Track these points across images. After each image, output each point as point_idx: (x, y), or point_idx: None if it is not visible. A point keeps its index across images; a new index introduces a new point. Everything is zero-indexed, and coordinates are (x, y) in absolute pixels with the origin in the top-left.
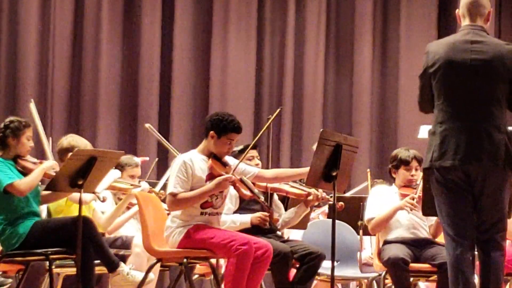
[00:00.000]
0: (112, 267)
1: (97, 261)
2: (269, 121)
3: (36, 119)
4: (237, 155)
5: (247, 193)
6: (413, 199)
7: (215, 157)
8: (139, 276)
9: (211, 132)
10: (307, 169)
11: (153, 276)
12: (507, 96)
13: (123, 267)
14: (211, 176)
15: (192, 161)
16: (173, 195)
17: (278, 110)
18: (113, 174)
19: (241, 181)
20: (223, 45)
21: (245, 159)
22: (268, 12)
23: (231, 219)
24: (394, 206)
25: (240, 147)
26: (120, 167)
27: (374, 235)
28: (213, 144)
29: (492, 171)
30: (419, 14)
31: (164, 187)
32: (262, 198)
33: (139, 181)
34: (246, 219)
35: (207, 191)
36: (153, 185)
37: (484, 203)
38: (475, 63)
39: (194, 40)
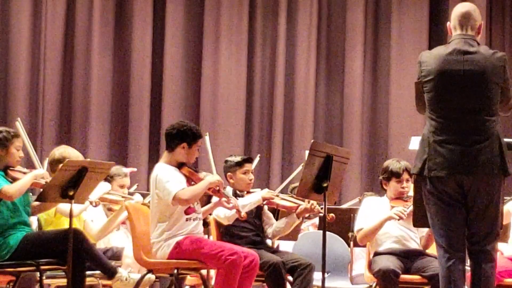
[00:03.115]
0: (111, 273)
1: (88, 272)
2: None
3: (24, 137)
4: (234, 166)
5: (221, 193)
6: (403, 212)
7: (186, 165)
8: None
9: (183, 144)
10: None
11: (153, 277)
12: (501, 100)
13: (121, 272)
14: (189, 183)
15: (170, 170)
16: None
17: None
18: (104, 187)
19: None
20: (214, 56)
21: (240, 174)
22: (259, 24)
23: (248, 201)
24: (382, 217)
25: (238, 158)
26: (110, 177)
27: (364, 246)
28: (184, 154)
29: (486, 181)
30: (410, 26)
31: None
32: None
33: (133, 194)
34: (257, 197)
35: (205, 186)
36: (144, 196)
37: (476, 214)
38: (468, 73)
39: (185, 52)
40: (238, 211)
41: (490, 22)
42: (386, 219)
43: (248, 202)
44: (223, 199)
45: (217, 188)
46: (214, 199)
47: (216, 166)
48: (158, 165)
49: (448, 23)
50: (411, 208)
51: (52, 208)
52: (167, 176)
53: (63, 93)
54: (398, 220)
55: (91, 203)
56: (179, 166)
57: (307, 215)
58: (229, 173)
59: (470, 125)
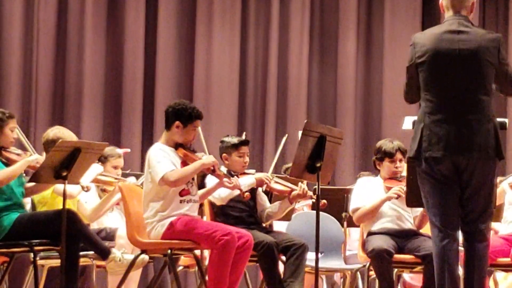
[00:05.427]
0: (105, 254)
1: (81, 253)
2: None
3: (20, 135)
4: (230, 148)
5: (221, 173)
6: (401, 190)
7: (183, 146)
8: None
9: (177, 122)
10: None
11: (147, 257)
12: (495, 81)
13: (115, 253)
14: (185, 164)
15: (165, 150)
16: (167, 175)
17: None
18: (96, 169)
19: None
20: (207, 37)
21: (236, 156)
22: (252, 4)
23: (242, 183)
24: (381, 198)
25: (234, 140)
26: (103, 158)
27: (358, 226)
28: (180, 133)
29: (481, 162)
30: (403, 6)
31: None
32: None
33: (127, 175)
34: (251, 180)
35: (197, 167)
36: (137, 176)
37: (470, 194)
38: (462, 53)
39: (178, 33)
40: (241, 191)
41: (484, 4)
42: (384, 200)
43: (242, 184)
44: (225, 179)
45: (212, 168)
46: (209, 178)
47: (210, 147)
48: (154, 145)
49: (440, 0)
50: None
51: (47, 190)
52: (158, 156)
53: (56, 74)
54: (397, 198)
55: (82, 188)
56: (176, 147)
57: (300, 199)
58: (224, 154)
59: (465, 104)
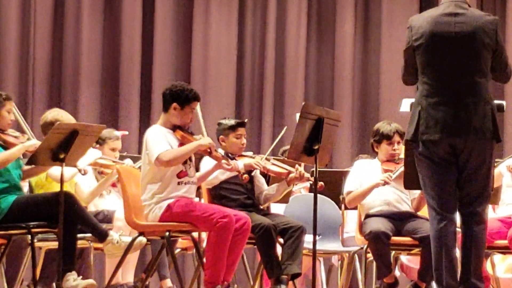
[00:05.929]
0: (102, 237)
1: (79, 235)
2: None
3: (18, 117)
4: (227, 129)
5: (219, 155)
6: (388, 177)
7: (181, 128)
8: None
9: (174, 104)
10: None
11: (144, 240)
12: (491, 66)
13: (113, 235)
14: (183, 146)
15: (163, 132)
16: (161, 155)
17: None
18: (94, 154)
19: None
20: (204, 19)
21: (233, 137)
22: None
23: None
24: (370, 184)
25: (232, 122)
26: (101, 140)
27: (356, 208)
28: (177, 115)
29: (478, 144)
30: None
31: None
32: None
33: (123, 157)
34: (239, 165)
35: (192, 148)
36: (135, 159)
37: (468, 176)
38: (459, 35)
39: (175, 14)
40: (239, 173)
41: None
42: (373, 186)
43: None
44: (223, 161)
45: (209, 150)
46: (204, 161)
47: (208, 130)
48: (151, 127)
49: None
50: (402, 169)
51: (44, 172)
52: (154, 137)
53: (53, 56)
54: (384, 185)
55: (79, 171)
56: (174, 129)
57: (298, 182)
58: (221, 136)
59: (462, 86)
